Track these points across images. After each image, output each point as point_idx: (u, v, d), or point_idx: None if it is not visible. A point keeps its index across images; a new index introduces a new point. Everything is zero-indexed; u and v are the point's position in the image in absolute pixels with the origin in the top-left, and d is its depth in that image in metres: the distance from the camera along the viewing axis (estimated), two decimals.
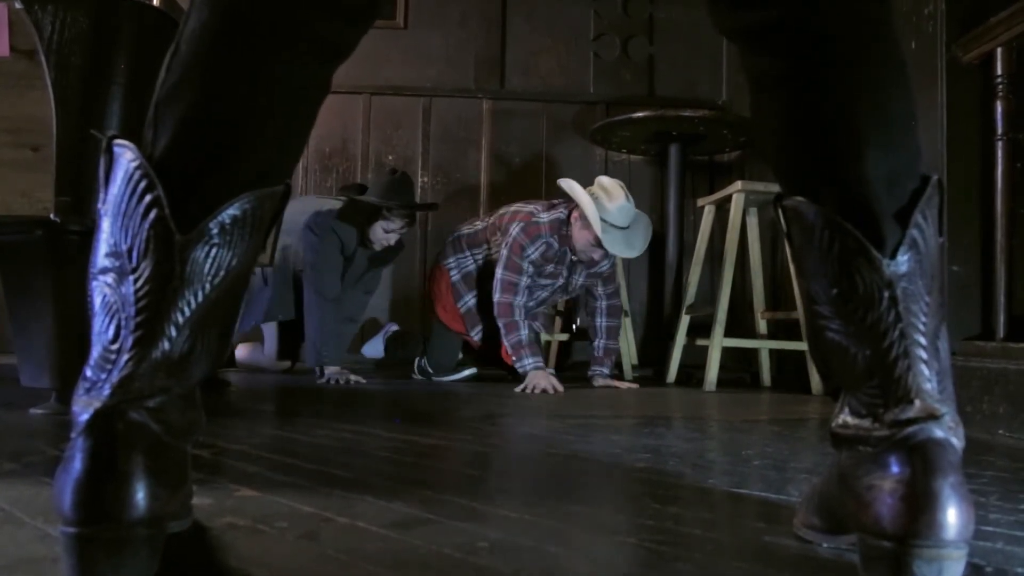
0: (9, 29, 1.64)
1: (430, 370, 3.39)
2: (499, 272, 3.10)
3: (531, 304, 3.24)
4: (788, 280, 3.30)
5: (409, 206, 3.20)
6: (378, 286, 3.47)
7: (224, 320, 0.67)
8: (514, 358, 3.03)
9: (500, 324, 3.07)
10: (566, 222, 3.10)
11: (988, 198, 2.06)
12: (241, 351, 3.61)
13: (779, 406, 2.54)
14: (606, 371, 3.22)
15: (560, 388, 2.84)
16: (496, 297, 3.08)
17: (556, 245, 3.10)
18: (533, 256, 3.09)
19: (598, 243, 3.00)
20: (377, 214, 3.17)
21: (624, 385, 3.19)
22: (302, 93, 0.71)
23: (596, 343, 3.26)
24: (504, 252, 3.10)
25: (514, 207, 3.24)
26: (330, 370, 2.98)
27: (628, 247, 3.03)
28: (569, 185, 3.06)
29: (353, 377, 2.95)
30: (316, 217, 3.21)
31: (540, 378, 2.87)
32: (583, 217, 2.99)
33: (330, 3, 0.69)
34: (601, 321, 3.26)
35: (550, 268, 3.16)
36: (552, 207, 3.16)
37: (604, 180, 3.08)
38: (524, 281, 3.08)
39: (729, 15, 0.73)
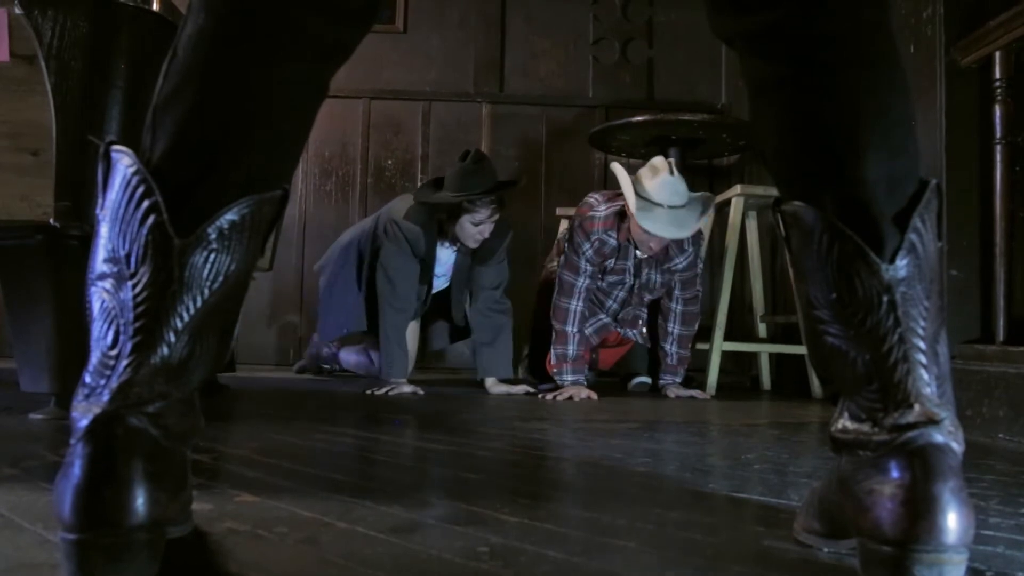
0: (9, 34, 1.64)
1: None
2: (560, 271, 2.92)
3: (614, 306, 3.06)
4: (788, 284, 3.30)
5: (486, 192, 2.83)
6: (507, 278, 3.09)
7: (223, 325, 0.67)
8: (555, 369, 2.87)
9: (553, 327, 2.89)
10: (623, 214, 2.87)
11: (987, 201, 2.06)
12: (348, 355, 3.43)
13: (779, 410, 2.53)
14: (679, 379, 3.03)
15: (594, 396, 2.73)
16: (554, 298, 2.90)
17: (612, 241, 2.87)
18: (588, 253, 2.87)
19: (644, 247, 2.82)
20: (459, 208, 2.85)
21: (703, 395, 2.94)
22: (299, 97, 0.71)
23: (668, 349, 3.04)
24: (566, 248, 2.93)
25: (589, 197, 3.01)
26: (394, 381, 2.78)
27: (676, 227, 2.73)
28: (615, 169, 2.84)
29: (408, 388, 2.74)
30: (388, 219, 2.93)
31: (577, 392, 2.74)
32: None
33: (328, 7, 0.69)
34: (674, 328, 3.03)
35: (610, 264, 2.93)
36: (616, 197, 2.91)
37: (655, 159, 2.86)
38: (582, 282, 2.87)
39: (729, 20, 0.73)
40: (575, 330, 2.86)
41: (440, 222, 2.93)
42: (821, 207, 0.66)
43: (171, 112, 0.66)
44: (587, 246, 2.86)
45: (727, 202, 3.28)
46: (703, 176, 4.30)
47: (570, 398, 2.70)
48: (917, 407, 0.61)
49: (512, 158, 4.30)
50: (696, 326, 3.09)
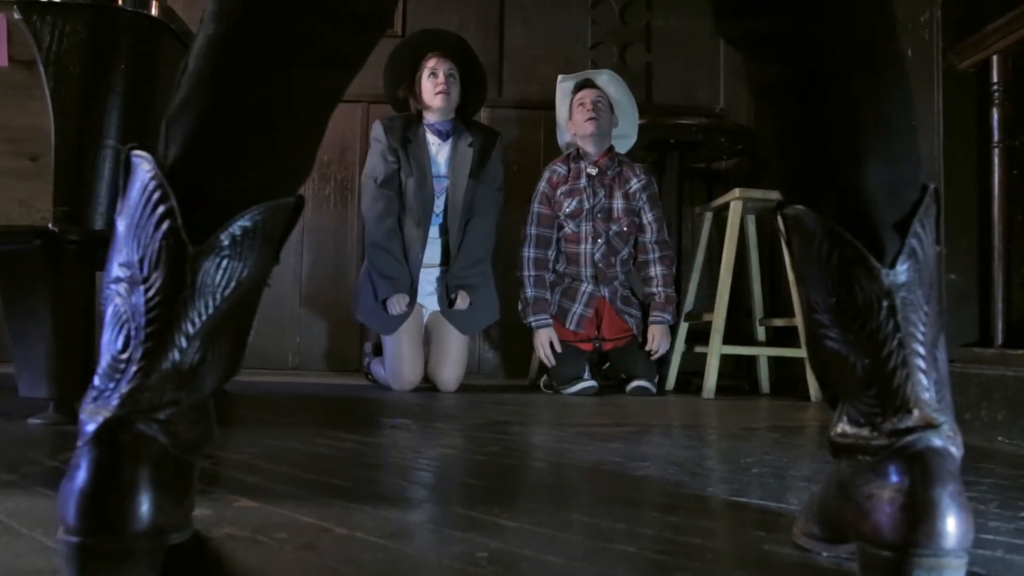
0: (8, 39, 1.64)
1: (553, 382, 3.17)
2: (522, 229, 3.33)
3: (588, 249, 3.24)
4: (786, 287, 3.30)
5: (433, 42, 3.11)
6: (494, 232, 3.27)
7: (236, 331, 0.67)
8: (522, 315, 3.21)
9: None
10: (570, 156, 3.33)
11: (985, 205, 2.07)
12: (377, 367, 3.30)
13: (778, 413, 2.54)
14: (667, 317, 3.22)
15: (551, 355, 3.09)
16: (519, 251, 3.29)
17: (562, 169, 3.30)
18: (543, 188, 3.30)
19: (583, 121, 3.19)
20: (412, 77, 3.11)
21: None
22: (310, 105, 0.71)
23: (656, 290, 3.25)
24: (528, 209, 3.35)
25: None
26: (391, 301, 2.99)
27: (589, 73, 3.35)
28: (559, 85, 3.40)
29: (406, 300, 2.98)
30: None
31: (541, 341, 3.12)
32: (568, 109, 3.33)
33: (338, 16, 0.69)
34: (656, 270, 3.27)
35: (563, 189, 3.26)
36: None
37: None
38: (533, 231, 3.25)
39: (733, 24, 0.73)
40: (530, 274, 3.21)
41: (406, 104, 3.17)
42: (822, 212, 0.66)
43: (183, 121, 0.66)
44: (542, 184, 3.30)
45: (726, 206, 3.29)
46: (702, 180, 4.30)
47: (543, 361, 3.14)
48: (916, 412, 0.61)
49: (511, 162, 4.30)
50: (673, 268, 3.34)
